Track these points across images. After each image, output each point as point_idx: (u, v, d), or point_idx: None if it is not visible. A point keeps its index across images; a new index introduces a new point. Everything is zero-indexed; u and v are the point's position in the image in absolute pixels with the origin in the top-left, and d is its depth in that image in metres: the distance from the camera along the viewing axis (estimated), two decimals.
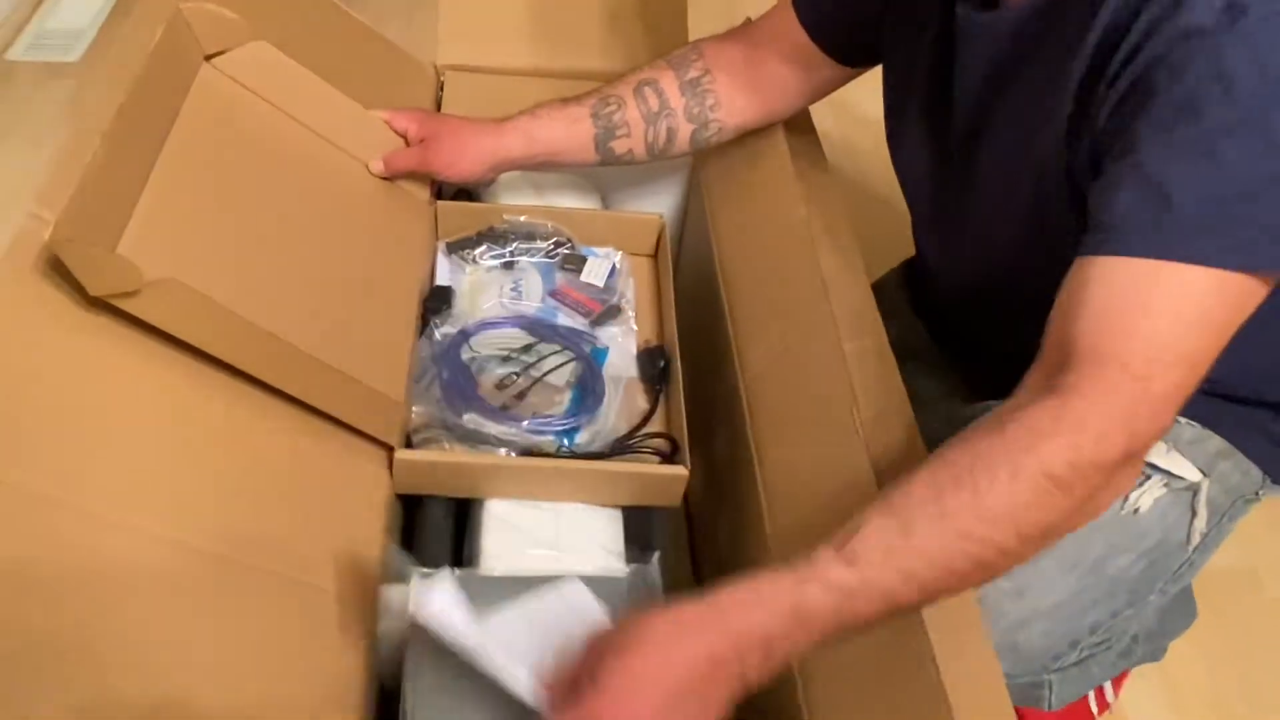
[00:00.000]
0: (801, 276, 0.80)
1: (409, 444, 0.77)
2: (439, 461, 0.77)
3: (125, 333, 0.63)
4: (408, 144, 0.91)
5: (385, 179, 0.90)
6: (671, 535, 0.89)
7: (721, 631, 0.53)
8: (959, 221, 0.80)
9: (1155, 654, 0.97)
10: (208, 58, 0.80)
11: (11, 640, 0.49)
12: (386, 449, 0.76)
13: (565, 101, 0.91)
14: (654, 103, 0.91)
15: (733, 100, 0.91)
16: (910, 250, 0.99)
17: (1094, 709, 1.03)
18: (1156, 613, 0.90)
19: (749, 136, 0.95)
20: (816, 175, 0.90)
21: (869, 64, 0.89)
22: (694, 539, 0.97)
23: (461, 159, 0.88)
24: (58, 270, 0.60)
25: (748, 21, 0.94)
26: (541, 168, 0.96)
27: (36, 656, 0.50)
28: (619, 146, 0.91)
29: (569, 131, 0.90)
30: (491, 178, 0.93)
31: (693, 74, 0.91)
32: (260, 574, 0.64)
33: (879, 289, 1.04)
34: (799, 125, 0.95)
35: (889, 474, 0.65)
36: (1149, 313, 0.55)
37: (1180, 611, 0.98)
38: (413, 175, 0.92)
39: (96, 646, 0.53)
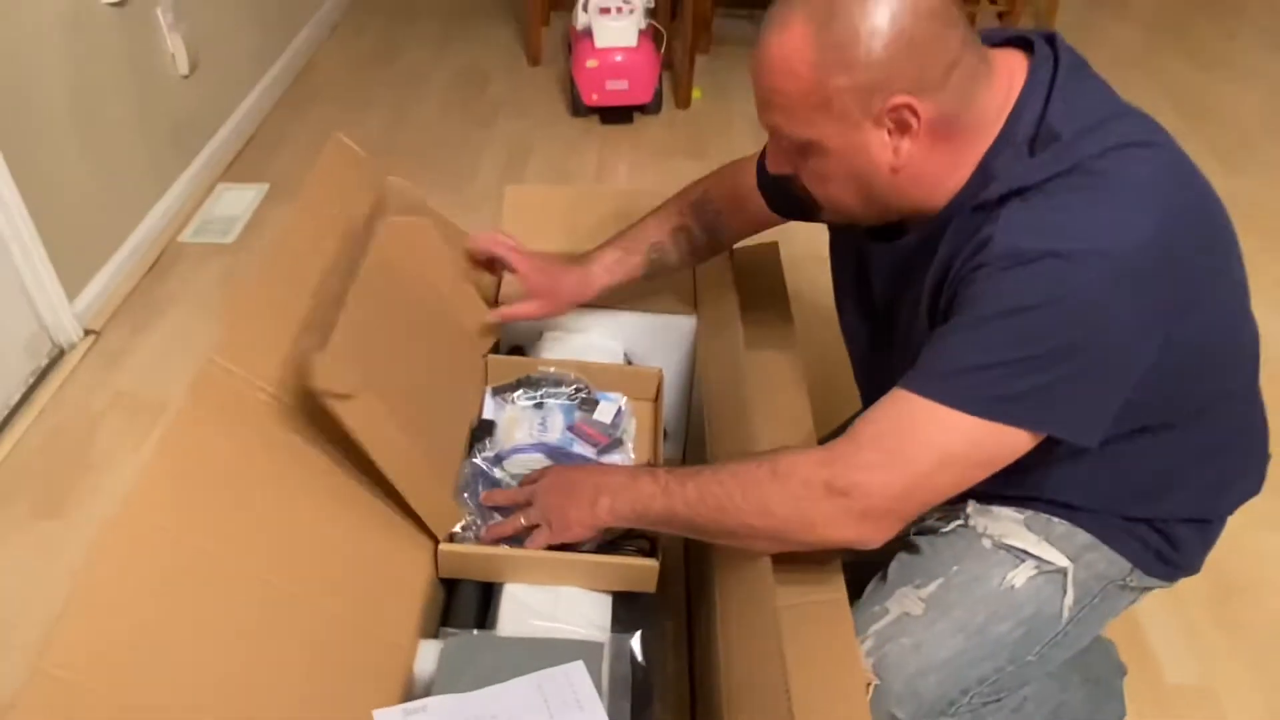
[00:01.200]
0: (740, 420, 1.05)
1: (451, 539, 1.03)
2: (471, 553, 1.02)
3: (268, 446, 0.91)
4: (492, 266, 1.22)
5: (461, 338, 1.20)
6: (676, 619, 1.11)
7: (605, 487, 0.95)
8: (884, 365, 1.04)
9: None
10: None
11: None
12: (433, 541, 1.02)
13: (625, 241, 1.19)
14: (685, 246, 1.20)
15: (731, 231, 1.21)
16: None
17: None
18: (1084, 706, 1.07)
19: (730, 304, 1.22)
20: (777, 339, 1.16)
21: (797, 219, 1.16)
22: (692, 622, 1.19)
23: (558, 304, 1.17)
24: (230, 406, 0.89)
25: (734, 163, 1.22)
26: (601, 294, 1.21)
27: None
28: (657, 274, 1.21)
29: (631, 270, 1.19)
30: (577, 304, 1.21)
31: (708, 216, 1.19)
32: (331, 626, 0.89)
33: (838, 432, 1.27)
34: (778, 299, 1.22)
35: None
36: (887, 416, 0.82)
37: (1106, 709, 1.13)
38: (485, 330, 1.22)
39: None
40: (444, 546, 1.01)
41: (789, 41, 0.79)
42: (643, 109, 2.66)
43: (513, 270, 1.18)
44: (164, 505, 0.79)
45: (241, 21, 2.57)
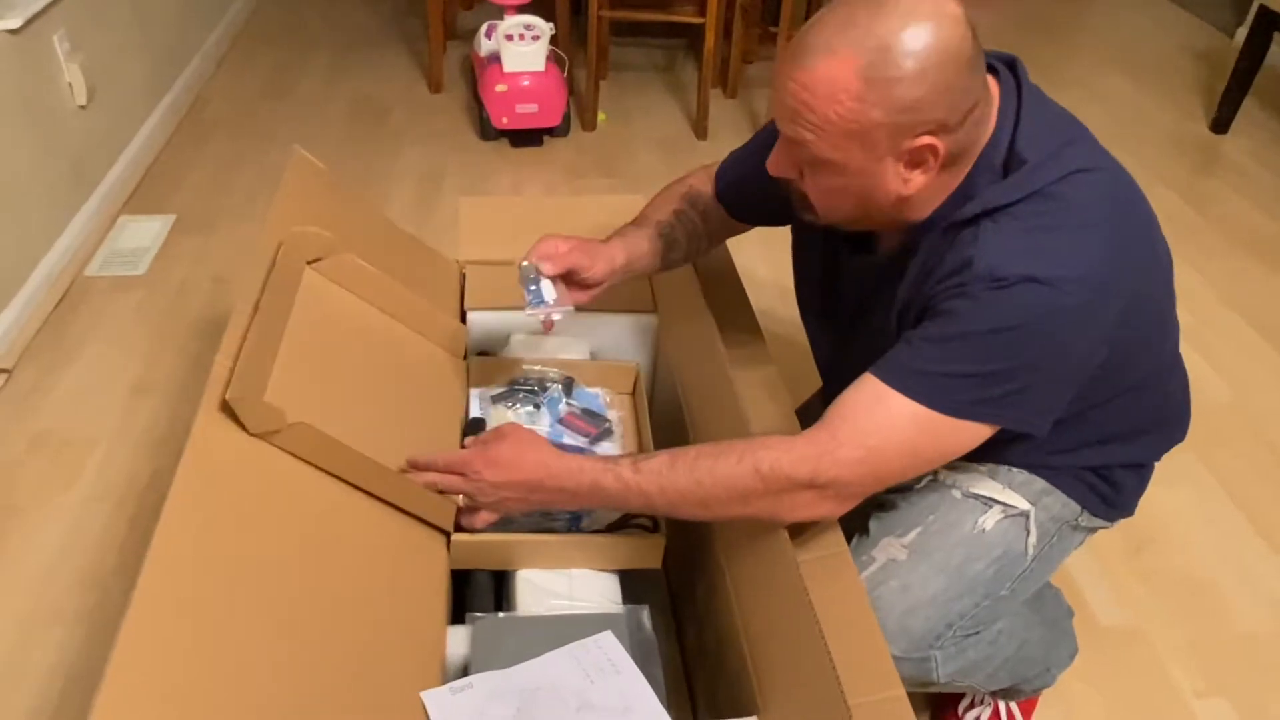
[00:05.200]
0: (728, 398, 1.12)
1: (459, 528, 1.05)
2: (481, 541, 1.04)
3: (272, 478, 0.92)
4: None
5: (425, 348, 1.22)
6: (657, 599, 1.15)
7: (553, 473, 0.97)
8: (848, 357, 1.12)
9: (1046, 679, 1.23)
10: (309, 263, 1.13)
11: None
12: (445, 534, 1.04)
13: (637, 225, 1.19)
14: (689, 227, 1.22)
15: (714, 228, 1.24)
16: None
17: None
18: (1039, 644, 1.17)
19: (695, 298, 1.29)
20: (744, 331, 1.23)
21: (760, 225, 1.24)
22: (675, 601, 1.23)
23: (594, 265, 1.11)
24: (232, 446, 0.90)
25: (703, 169, 1.26)
26: (626, 273, 1.16)
27: None
28: (673, 258, 1.21)
29: (649, 247, 1.17)
30: (606, 280, 1.13)
31: (702, 207, 1.23)
32: (358, 616, 0.90)
33: (808, 408, 1.36)
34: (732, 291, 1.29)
35: None
36: (866, 411, 0.90)
37: (1061, 645, 1.24)
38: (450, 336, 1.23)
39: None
40: (457, 537, 1.04)
41: (836, 69, 0.83)
42: (551, 132, 2.72)
43: (584, 269, 1.11)
44: (188, 543, 0.80)
45: (132, 51, 2.50)
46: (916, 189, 0.90)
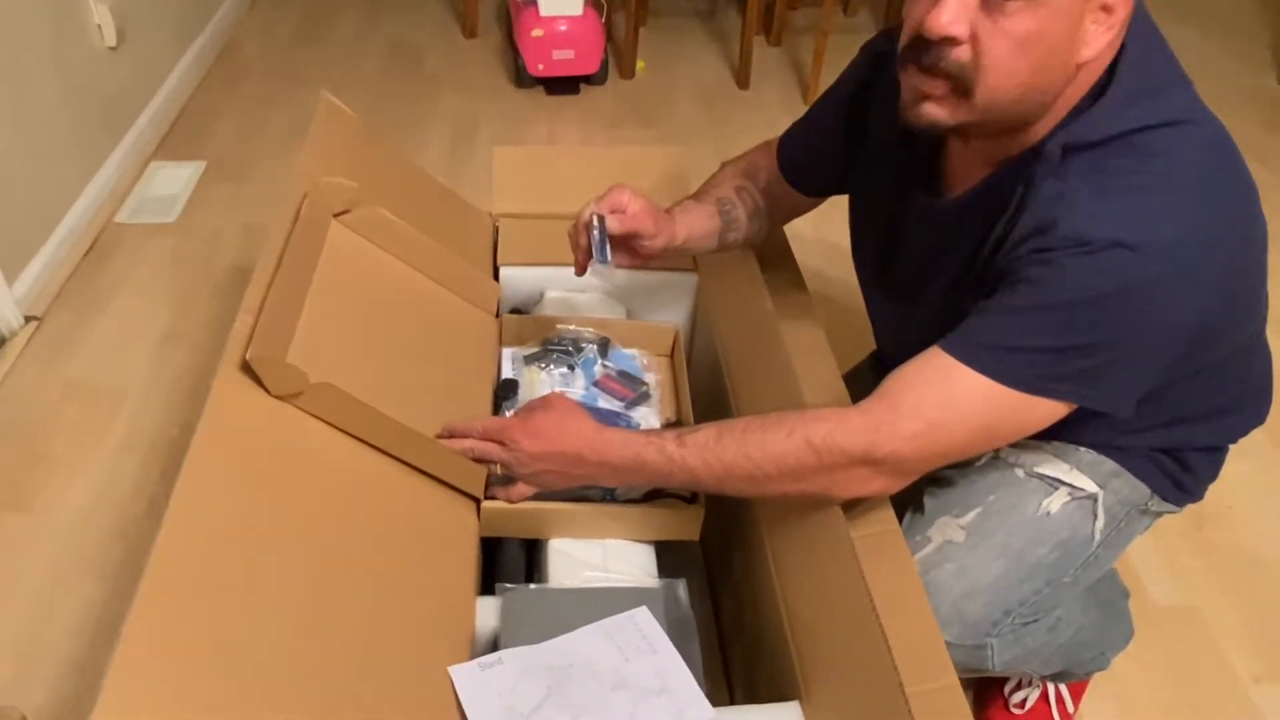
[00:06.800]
0: (775, 362, 1.06)
1: (490, 493, 1.01)
2: (513, 510, 1.00)
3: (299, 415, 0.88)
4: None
5: (456, 305, 1.16)
6: (692, 570, 1.11)
7: (595, 447, 0.92)
8: (908, 316, 1.05)
9: (1100, 663, 1.17)
10: (336, 215, 1.08)
11: None
12: (475, 501, 1.00)
13: (697, 200, 1.13)
14: (750, 205, 1.15)
15: (775, 204, 1.18)
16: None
17: (1056, 718, 1.22)
18: (1095, 627, 1.11)
19: (739, 255, 1.22)
20: (790, 288, 1.17)
21: (824, 196, 1.17)
22: (711, 574, 1.19)
23: (658, 236, 1.04)
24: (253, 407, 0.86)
25: (763, 145, 1.20)
26: (681, 251, 1.11)
27: None
28: (730, 238, 1.15)
29: (709, 225, 1.11)
30: (662, 251, 1.06)
31: (762, 183, 1.16)
32: (395, 593, 0.87)
33: (857, 372, 1.30)
34: (778, 248, 1.23)
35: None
36: (929, 383, 0.83)
37: (1116, 629, 1.18)
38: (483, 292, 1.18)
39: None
40: (487, 504, 0.99)
41: None
42: (589, 79, 2.64)
43: (647, 236, 1.04)
44: (207, 510, 0.76)
45: None
46: (1094, 53, 0.80)
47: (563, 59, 2.52)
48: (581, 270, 1.03)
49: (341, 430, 0.91)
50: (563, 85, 2.61)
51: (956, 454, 0.87)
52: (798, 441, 0.86)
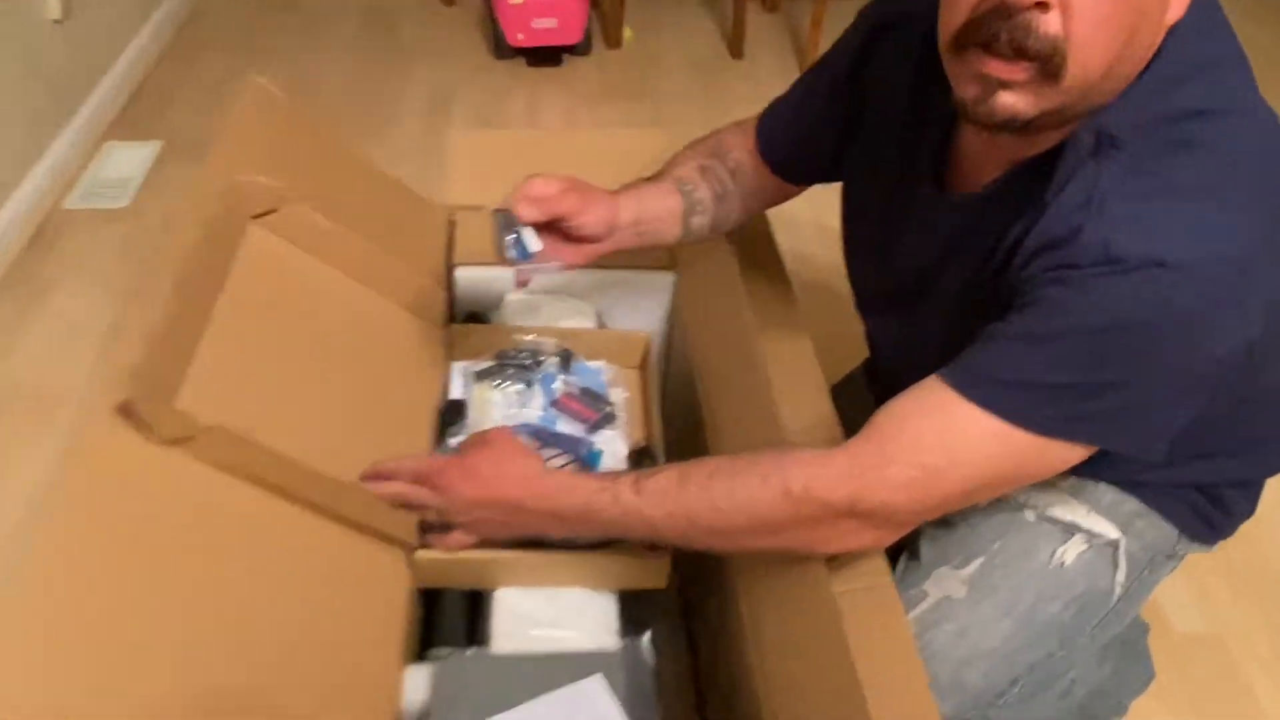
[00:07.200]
0: (754, 384, 0.93)
1: (425, 536, 0.88)
2: (451, 559, 0.88)
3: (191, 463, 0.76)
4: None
5: (396, 316, 1.03)
6: (667, 616, 0.99)
7: (538, 492, 0.81)
8: (905, 321, 0.92)
9: (1117, 710, 1.06)
10: (255, 217, 0.95)
11: None
12: (408, 548, 0.88)
13: (651, 180, 0.98)
14: (716, 186, 1.00)
15: (747, 189, 1.02)
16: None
17: None
18: (1112, 675, 1.00)
19: (721, 254, 1.09)
20: (773, 292, 1.04)
21: (810, 184, 1.03)
22: (689, 619, 1.07)
23: (587, 212, 0.88)
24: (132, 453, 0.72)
25: (734, 125, 1.05)
26: (636, 239, 0.96)
27: None
28: (696, 222, 0.99)
29: (664, 204, 0.96)
30: (606, 236, 0.92)
31: (731, 164, 1.01)
32: (305, 660, 0.75)
33: (849, 382, 1.17)
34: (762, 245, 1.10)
35: None
36: (926, 421, 0.70)
37: (1135, 673, 1.07)
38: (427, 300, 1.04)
39: None
40: (420, 553, 0.87)
41: None
42: (572, 49, 2.48)
43: (572, 216, 0.88)
44: (69, 574, 0.64)
45: None
46: (1181, 11, 0.67)
47: (544, 28, 2.36)
48: (520, 283, 0.89)
49: (245, 478, 0.78)
50: (544, 56, 2.46)
51: (955, 504, 0.75)
52: (773, 490, 0.73)
